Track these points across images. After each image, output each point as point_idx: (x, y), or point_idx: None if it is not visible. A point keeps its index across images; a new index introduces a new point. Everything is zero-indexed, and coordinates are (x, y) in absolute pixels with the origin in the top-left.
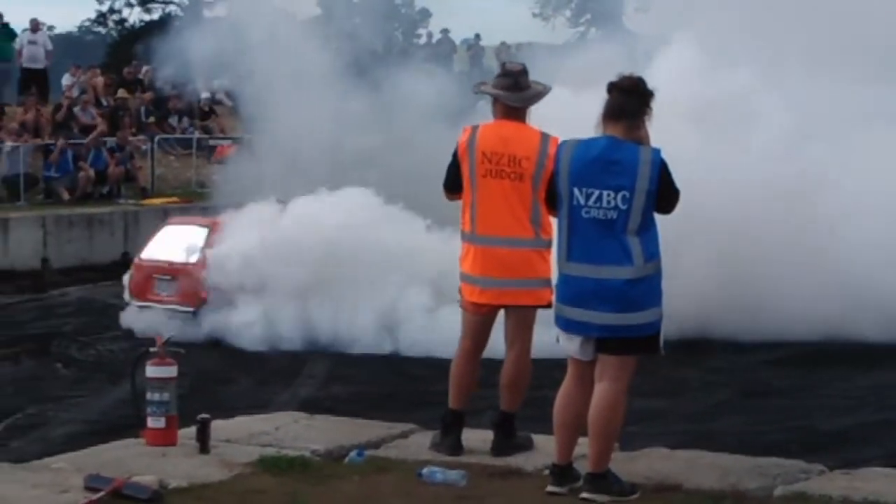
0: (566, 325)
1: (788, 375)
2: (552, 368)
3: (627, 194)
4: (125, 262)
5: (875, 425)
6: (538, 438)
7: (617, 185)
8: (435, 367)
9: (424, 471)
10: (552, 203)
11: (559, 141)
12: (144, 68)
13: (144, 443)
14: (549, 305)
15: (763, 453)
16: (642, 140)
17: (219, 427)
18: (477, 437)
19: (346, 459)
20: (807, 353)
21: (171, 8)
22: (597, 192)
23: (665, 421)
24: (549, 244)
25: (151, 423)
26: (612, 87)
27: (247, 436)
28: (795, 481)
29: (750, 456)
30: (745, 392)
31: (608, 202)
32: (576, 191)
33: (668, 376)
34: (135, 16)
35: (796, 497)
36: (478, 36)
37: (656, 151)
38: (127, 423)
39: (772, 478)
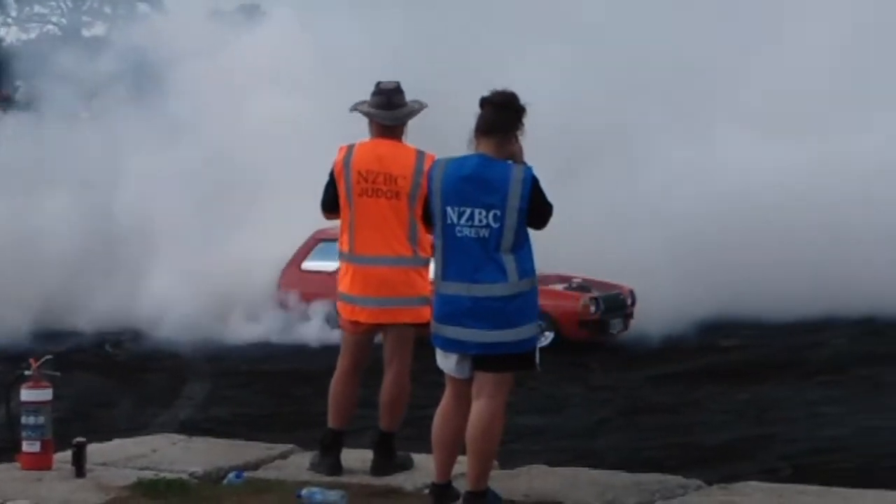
0: (443, 343)
1: (670, 391)
2: (433, 387)
3: (499, 213)
4: None
5: (754, 440)
6: (418, 458)
7: (489, 203)
8: (316, 387)
9: (304, 492)
10: (429, 221)
11: (434, 158)
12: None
13: (19, 467)
14: (428, 323)
15: (643, 469)
16: (515, 155)
17: (95, 450)
18: (356, 457)
19: (225, 481)
20: (688, 369)
21: (49, 27)
22: (469, 211)
23: (547, 438)
24: (427, 262)
25: (26, 447)
26: (485, 102)
27: (123, 459)
28: (673, 496)
29: (630, 472)
30: (627, 408)
31: (480, 220)
32: (448, 209)
33: (550, 393)
34: (12, 35)
35: None
36: None
37: (528, 169)
38: (1, 448)
39: (650, 493)
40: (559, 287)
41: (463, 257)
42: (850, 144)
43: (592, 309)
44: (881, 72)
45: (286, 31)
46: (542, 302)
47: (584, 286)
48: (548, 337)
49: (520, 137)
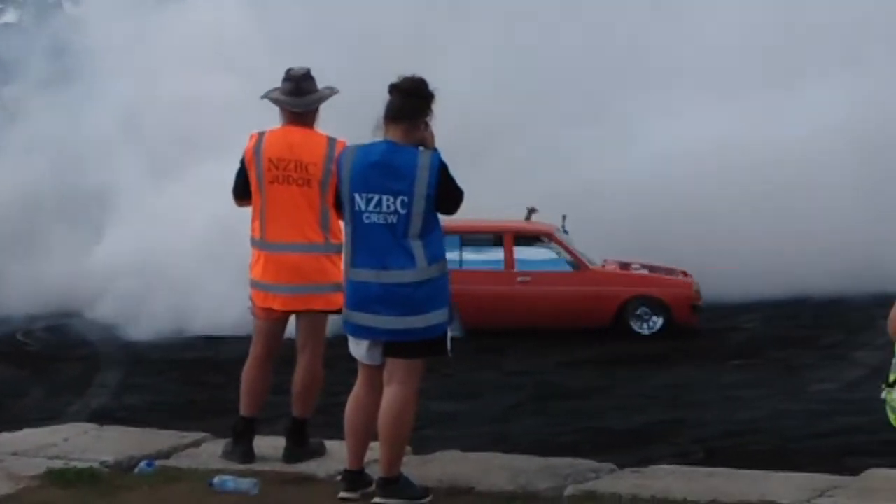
0: (353, 330)
1: (584, 376)
2: (347, 374)
3: (406, 199)
4: None
5: (666, 423)
6: (331, 444)
7: (396, 189)
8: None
9: (216, 480)
10: (340, 208)
11: (345, 145)
12: None
13: None
14: (340, 310)
15: (557, 454)
16: (425, 141)
17: (5, 440)
18: (269, 445)
19: (136, 470)
20: (602, 355)
21: None
22: (377, 197)
23: (461, 423)
24: (339, 249)
25: None
26: (393, 89)
27: (34, 448)
28: (586, 480)
29: (543, 457)
30: (541, 394)
31: (388, 207)
32: (357, 196)
33: (464, 379)
34: None
35: (586, 496)
36: None
37: (435, 155)
38: None
39: (562, 478)
40: (665, 273)
41: (371, 244)
42: (784, 107)
43: (700, 294)
44: (815, 33)
45: (210, 13)
46: (655, 289)
47: (654, 268)
48: (657, 323)
49: (431, 124)
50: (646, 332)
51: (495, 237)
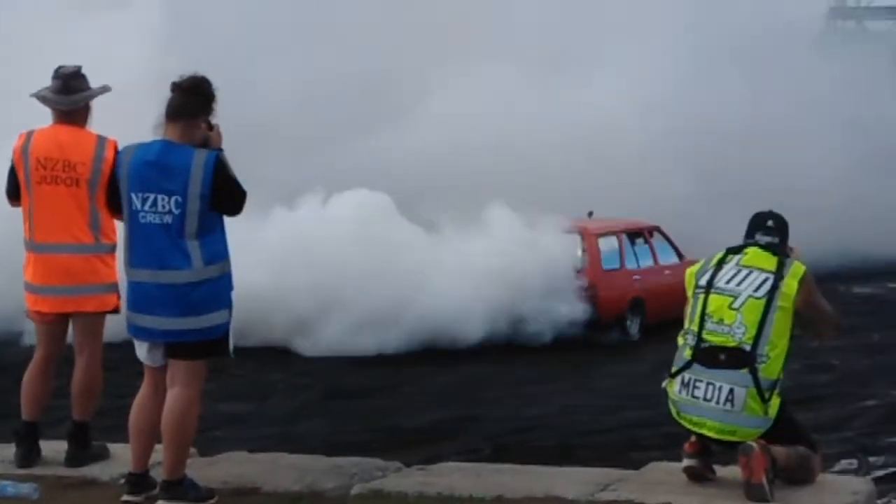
0: (134, 331)
1: (374, 376)
2: (134, 376)
3: (180, 199)
4: None
5: (454, 421)
6: (115, 447)
7: (170, 189)
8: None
9: None
10: (114, 208)
11: (116, 144)
12: None
13: None
14: (115, 311)
15: (345, 453)
16: (209, 141)
17: None
18: (52, 448)
19: None
20: (392, 354)
21: None
22: (152, 197)
23: (250, 424)
24: (111, 249)
25: None
26: (174, 87)
27: None
28: (372, 479)
29: (331, 456)
30: (331, 394)
31: (163, 206)
32: (133, 196)
33: (254, 380)
34: None
35: (373, 495)
36: None
37: (212, 154)
38: None
39: (349, 477)
40: None
41: (148, 244)
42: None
43: None
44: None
45: None
46: None
47: None
48: None
49: (217, 124)
50: None
51: (636, 235)
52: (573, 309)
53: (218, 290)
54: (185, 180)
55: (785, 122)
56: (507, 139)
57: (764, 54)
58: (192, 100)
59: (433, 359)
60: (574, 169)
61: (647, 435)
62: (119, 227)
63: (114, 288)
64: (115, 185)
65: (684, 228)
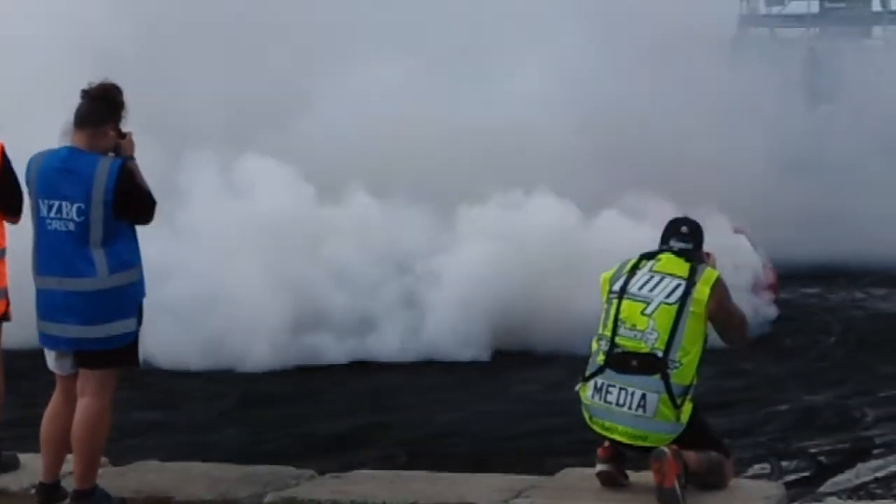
0: (42, 339)
1: (288, 383)
2: (47, 386)
3: (83, 206)
4: None
5: (371, 428)
6: (27, 457)
7: (73, 196)
8: None
9: None
10: (13, 212)
11: (3, 147)
12: None
13: None
14: (5, 318)
15: (260, 462)
16: (119, 148)
17: None
18: None
19: None
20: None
21: None
22: (57, 204)
23: (163, 433)
24: (2, 253)
25: None
26: (83, 94)
27: None
28: (286, 487)
29: (245, 465)
30: (246, 401)
31: (67, 214)
32: (41, 203)
33: (168, 387)
34: None
35: (286, 503)
36: None
37: (117, 161)
38: None
39: (262, 485)
40: None
41: (54, 251)
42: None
43: None
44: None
45: None
46: None
47: None
48: None
49: (130, 132)
50: None
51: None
52: None
53: (124, 298)
54: (89, 187)
55: (695, 122)
56: (401, 133)
57: (674, 56)
58: (99, 106)
59: (345, 365)
60: (462, 165)
61: (561, 441)
62: (9, 231)
63: (4, 293)
64: (9, 187)
65: None
